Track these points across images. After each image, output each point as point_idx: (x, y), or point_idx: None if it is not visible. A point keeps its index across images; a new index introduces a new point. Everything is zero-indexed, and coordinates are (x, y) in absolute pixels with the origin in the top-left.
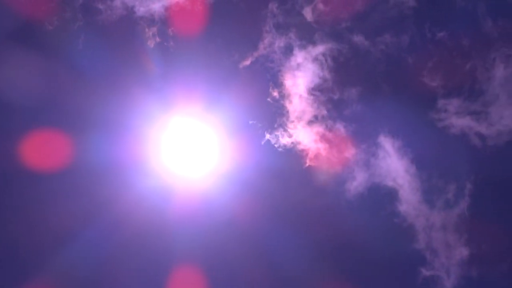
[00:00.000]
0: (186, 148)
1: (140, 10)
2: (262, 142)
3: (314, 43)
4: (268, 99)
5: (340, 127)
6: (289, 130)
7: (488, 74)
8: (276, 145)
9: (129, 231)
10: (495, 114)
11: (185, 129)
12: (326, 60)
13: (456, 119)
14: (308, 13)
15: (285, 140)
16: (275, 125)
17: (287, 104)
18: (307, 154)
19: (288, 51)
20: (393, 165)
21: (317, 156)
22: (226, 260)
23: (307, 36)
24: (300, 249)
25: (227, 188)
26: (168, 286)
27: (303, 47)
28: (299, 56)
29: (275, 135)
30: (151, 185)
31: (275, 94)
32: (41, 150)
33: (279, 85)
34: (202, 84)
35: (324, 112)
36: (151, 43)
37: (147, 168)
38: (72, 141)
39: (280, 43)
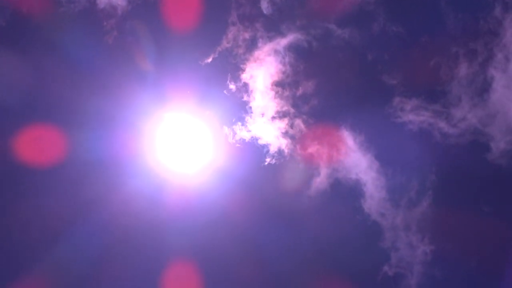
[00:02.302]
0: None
1: (102, 2)
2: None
3: (275, 37)
4: (225, 92)
5: (302, 122)
6: (249, 124)
7: (452, 71)
8: (234, 140)
9: (122, 227)
10: (459, 112)
11: (154, 126)
12: (288, 55)
13: (418, 116)
14: (264, 5)
15: (244, 135)
16: (233, 119)
17: (248, 99)
18: (267, 150)
19: (252, 44)
20: (356, 160)
21: (278, 151)
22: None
23: (270, 29)
24: (264, 247)
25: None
26: (162, 281)
27: (267, 40)
28: (262, 50)
29: (233, 129)
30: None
31: (236, 88)
32: (34, 146)
33: (240, 79)
34: (168, 78)
35: (286, 106)
36: (109, 38)
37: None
38: (65, 136)
39: (245, 35)
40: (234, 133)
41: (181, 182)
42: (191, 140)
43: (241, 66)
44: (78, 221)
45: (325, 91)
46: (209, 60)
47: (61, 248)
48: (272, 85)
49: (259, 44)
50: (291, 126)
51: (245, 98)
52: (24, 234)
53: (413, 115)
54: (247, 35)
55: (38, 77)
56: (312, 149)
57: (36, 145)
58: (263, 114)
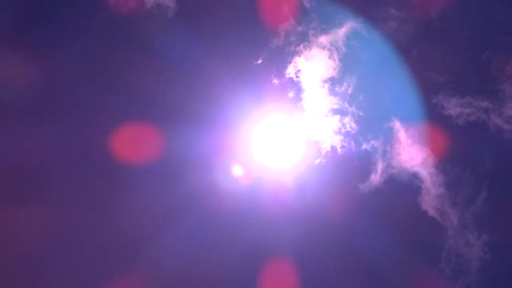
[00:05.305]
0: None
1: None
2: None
3: (324, 33)
4: (272, 89)
5: (353, 118)
6: (302, 122)
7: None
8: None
9: (218, 225)
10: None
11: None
12: (339, 51)
13: (468, 109)
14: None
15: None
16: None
17: (299, 96)
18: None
19: (303, 39)
20: (411, 156)
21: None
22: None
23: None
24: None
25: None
26: (258, 282)
27: (319, 34)
28: (313, 45)
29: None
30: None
31: (285, 84)
32: (132, 144)
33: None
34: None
35: (338, 103)
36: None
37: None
38: (162, 134)
39: (297, 28)
40: (288, 131)
41: (270, 179)
42: (268, 139)
43: (291, 61)
44: (173, 220)
45: (376, 85)
46: (260, 59)
47: (158, 246)
48: (323, 81)
49: (310, 38)
50: (343, 123)
51: (296, 95)
52: (121, 232)
53: (464, 108)
54: (299, 29)
55: (135, 76)
56: (367, 145)
57: (134, 143)
58: (314, 111)
